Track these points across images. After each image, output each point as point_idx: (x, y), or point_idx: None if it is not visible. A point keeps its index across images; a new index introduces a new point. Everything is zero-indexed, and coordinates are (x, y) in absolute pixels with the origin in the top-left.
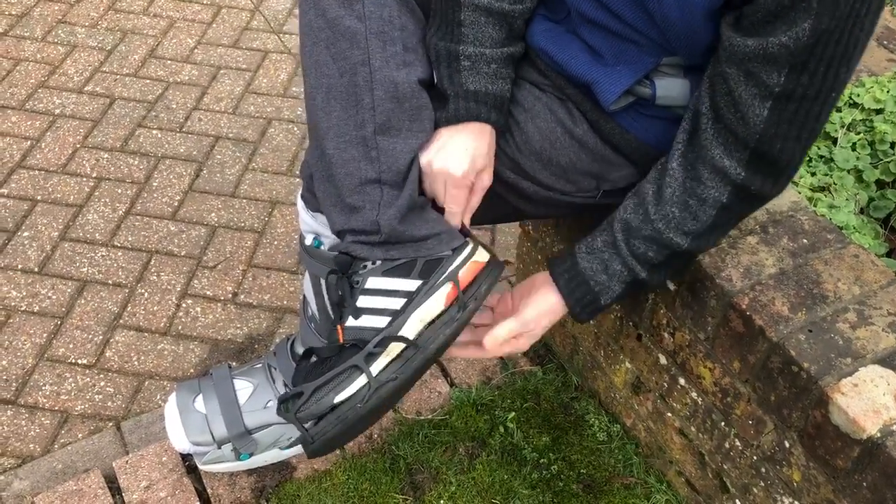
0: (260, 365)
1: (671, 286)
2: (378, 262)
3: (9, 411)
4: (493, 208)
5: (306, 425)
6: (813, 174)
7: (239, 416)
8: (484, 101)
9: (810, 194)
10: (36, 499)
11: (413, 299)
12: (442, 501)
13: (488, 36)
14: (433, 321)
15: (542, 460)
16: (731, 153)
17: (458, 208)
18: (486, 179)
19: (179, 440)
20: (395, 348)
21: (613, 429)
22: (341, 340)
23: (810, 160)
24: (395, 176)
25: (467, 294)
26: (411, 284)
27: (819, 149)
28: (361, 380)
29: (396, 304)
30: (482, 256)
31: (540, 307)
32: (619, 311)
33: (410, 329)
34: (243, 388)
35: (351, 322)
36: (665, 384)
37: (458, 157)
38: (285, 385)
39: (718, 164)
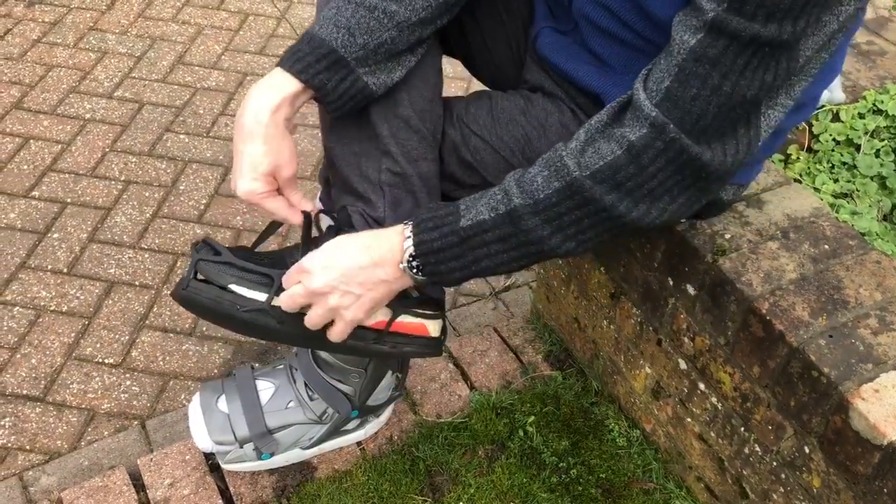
0: (282, 366)
1: (691, 290)
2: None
3: (37, 408)
4: None
5: (196, 274)
6: (836, 181)
7: (261, 416)
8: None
9: (832, 201)
10: (62, 494)
11: None
12: (461, 503)
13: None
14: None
15: (561, 464)
16: (646, 84)
17: (281, 215)
18: (287, 171)
19: (202, 439)
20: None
21: (633, 434)
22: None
23: (833, 166)
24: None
25: (389, 337)
26: None
27: (842, 155)
28: (261, 294)
29: None
30: (434, 329)
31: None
32: (640, 316)
33: None
34: (265, 388)
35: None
36: (685, 389)
37: (238, 171)
38: (306, 386)
39: (635, 97)
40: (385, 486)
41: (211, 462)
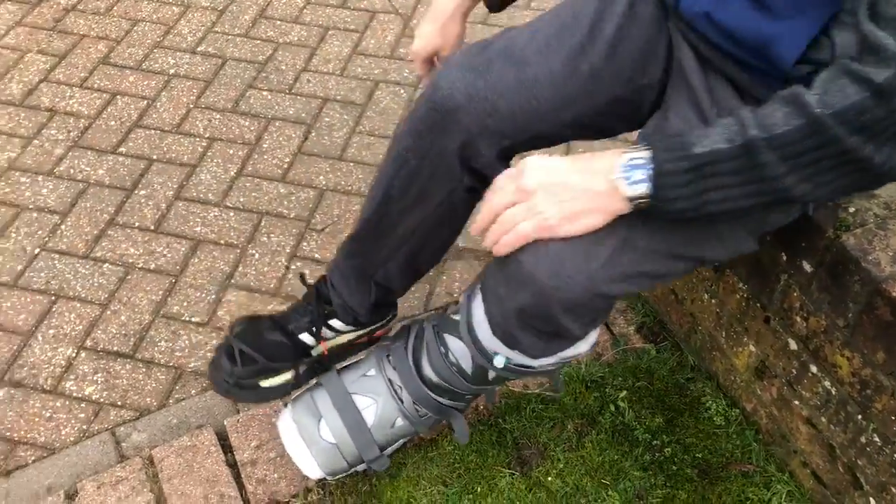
0: (374, 372)
1: (807, 267)
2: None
3: (128, 365)
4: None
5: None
6: None
7: (371, 439)
8: None
9: None
10: (153, 451)
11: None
12: (550, 478)
13: None
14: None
15: (654, 442)
16: (875, 15)
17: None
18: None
19: (311, 470)
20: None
21: (732, 413)
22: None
23: None
24: None
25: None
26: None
27: None
28: (287, 375)
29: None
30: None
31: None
32: (746, 292)
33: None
34: (367, 406)
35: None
36: (794, 371)
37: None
38: (414, 404)
39: (870, 33)
40: (471, 456)
41: (280, 396)
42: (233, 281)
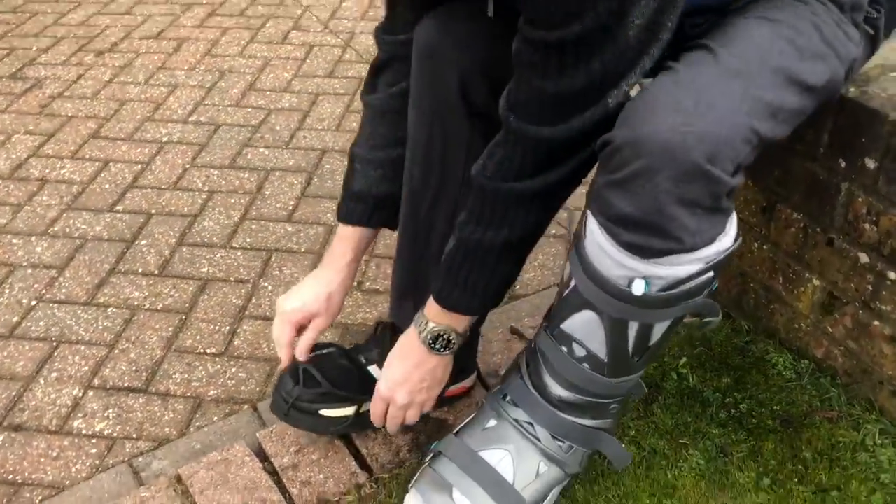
0: (494, 422)
1: (871, 164)
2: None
3: (141, 399)
4: None
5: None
6: None
7: (519, 497)
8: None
9: None
10: (180, 470)
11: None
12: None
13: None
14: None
15: (727, 400)
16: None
17: (278, 339)
18: (321, 322)
19: None
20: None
21: (801, 365)
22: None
23: None
24: None
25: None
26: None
27: None
28: (348, 410)
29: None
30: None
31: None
32: (803, 220)
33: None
34: (500, 459)
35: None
36: (869, 287)
37: (295, 292)
38: (554, 439)
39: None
40: None
41: (338, 430)
42: (247, 312)
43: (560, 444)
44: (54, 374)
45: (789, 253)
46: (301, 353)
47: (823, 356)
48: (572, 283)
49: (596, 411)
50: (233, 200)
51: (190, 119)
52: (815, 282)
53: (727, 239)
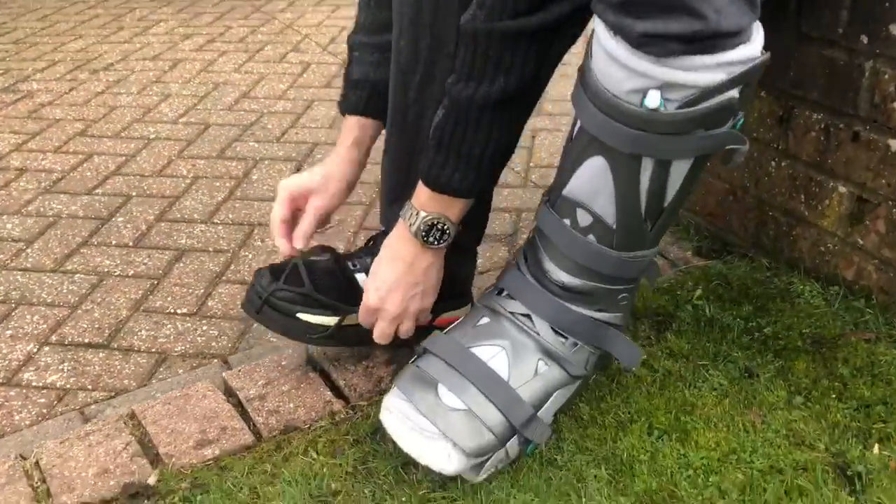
0: (487, 319)
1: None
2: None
3: (101, 353)
4: None
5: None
6: None
7: (515, 394)
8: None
9: None
10: (134, 407)
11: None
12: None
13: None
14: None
15: (750, 324)
16: None
17: (273, 218)
18: (319, 202)
19: (442, 456)
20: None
21: (831, 291)
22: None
23: None
24: None
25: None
26: None
27: None
28: (329, 319)
29: None
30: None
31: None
32: (823, 120)
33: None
34: (493, 356)
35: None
36: None
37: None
38: (556, 333)
39: None
40: None
41: (312, 363)
42: (224, 278)
43: (563, 339)
44: (9, 332)
45: (810, 163)
46: (298, 239)
47: (855, 277)
48: (577, 127)
49: (603, 300)
50: (217, 184)
51: (180, 120)
52: (841, 189)
53: (752, 47)
